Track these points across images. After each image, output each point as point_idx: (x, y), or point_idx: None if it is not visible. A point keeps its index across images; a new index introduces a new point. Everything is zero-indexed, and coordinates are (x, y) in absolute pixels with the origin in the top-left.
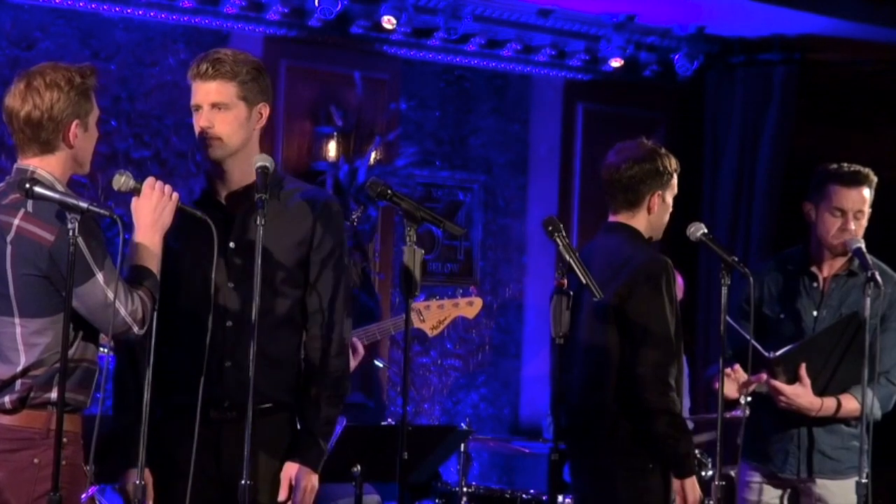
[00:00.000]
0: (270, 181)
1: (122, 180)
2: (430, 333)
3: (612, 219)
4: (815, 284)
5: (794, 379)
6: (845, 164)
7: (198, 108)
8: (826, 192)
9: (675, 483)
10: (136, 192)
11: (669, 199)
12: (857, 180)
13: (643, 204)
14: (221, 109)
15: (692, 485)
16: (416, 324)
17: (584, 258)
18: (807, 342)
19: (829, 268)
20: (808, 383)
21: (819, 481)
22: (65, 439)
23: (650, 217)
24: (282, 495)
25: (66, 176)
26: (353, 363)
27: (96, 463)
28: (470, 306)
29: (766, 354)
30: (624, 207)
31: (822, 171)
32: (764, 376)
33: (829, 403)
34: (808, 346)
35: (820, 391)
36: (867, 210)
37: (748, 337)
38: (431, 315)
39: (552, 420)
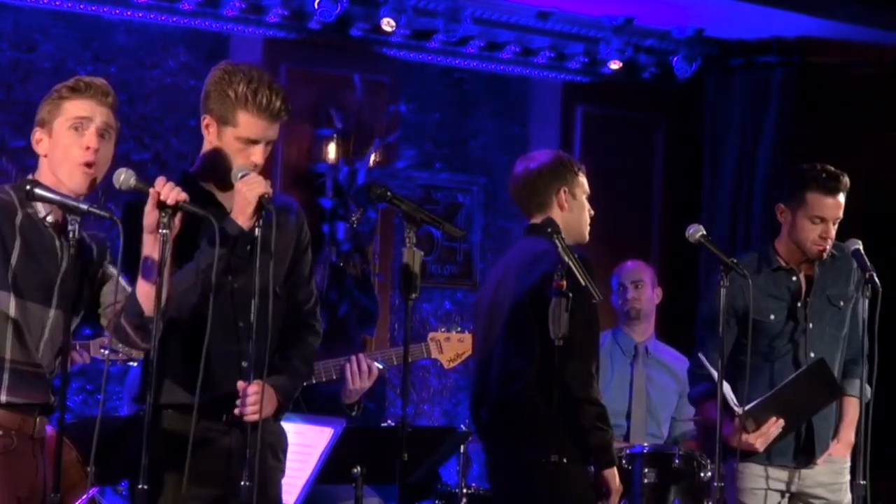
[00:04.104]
0: None
1: (122, 178)
2: (446, 366)
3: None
4: (794, 279)
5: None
6: (820, 167)
7: (254, 142)
8: (805, 199)
9: (598, 475)
10: (137, 191)
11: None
12: (837, 188)
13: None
14: (270, 143)
15: (613, 475)
16: (434, 354)
17: (505, 262)
18: (775, 394)
19: (806, 262)
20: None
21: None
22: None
23: (563, 215)
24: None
25: (56, 186)
26: (367, 383)
27: (97, 464)
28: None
29: (735, 408)
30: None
31: (799, 174)
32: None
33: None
34: (777, 398)
35: (796, 427)
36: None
37: (713, 374)
38: (450, 347)
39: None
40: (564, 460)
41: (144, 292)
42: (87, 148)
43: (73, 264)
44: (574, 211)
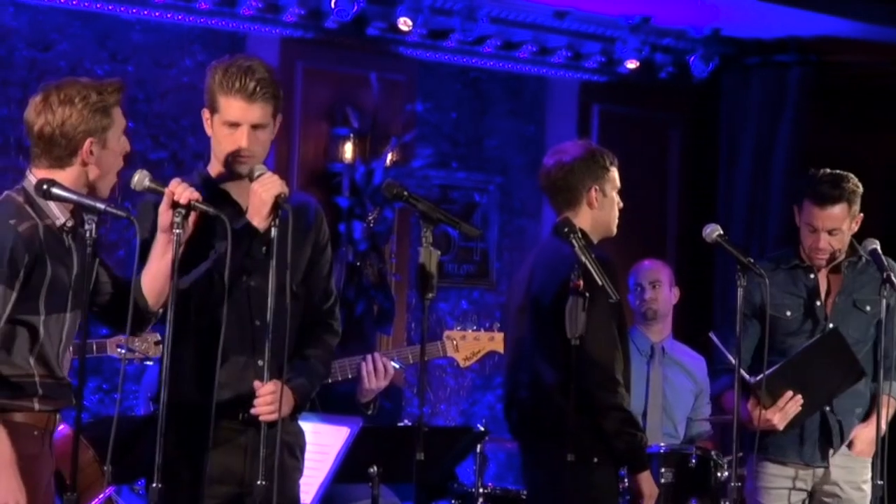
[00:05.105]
0: None
1: (136, 178)
2: (462, 364)
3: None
4: (811, 276)
5: (776, 400)
6: (821, 175)
7: (235, 125)
8: (803, 205)
9: (631, 479)
10: (152, 192)
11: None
12: (830, 200)
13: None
14: (258, 129)
15: (646, 479)
16: (450, 352)
17: (532, 260)
18: (787, 364)
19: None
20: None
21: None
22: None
23: (593, 213)
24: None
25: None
26: (383, 382)
27: (114, 464)
28: (505, 342)
29: (748, 379)
30: (564, 207)
31: (807, 178)
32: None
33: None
34: (790, 368)
35: (817, 407)
36: (845, 223)
37: (731, 358)
38: (466, 346)
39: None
40: (595, 460)
41: (149, 287)
42: (127, 153)
43: (91, 264)
44: (604, 209)
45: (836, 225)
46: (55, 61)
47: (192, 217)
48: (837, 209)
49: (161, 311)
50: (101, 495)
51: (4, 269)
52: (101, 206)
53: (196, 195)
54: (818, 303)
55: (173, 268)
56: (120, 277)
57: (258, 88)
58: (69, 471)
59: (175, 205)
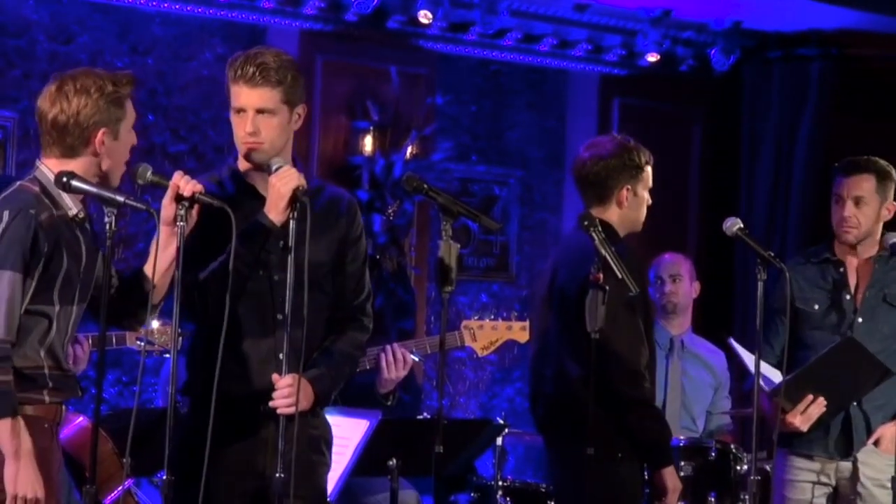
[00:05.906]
0: None
1: (139, 171)
2: (480, 353)
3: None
4: (841, 270)
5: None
6: (858, 157)
7: (241, 111)
8: (833, 183)
9: (655, 474)
10: (155, 185)
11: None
12: (855, 168)
13: (612, 198)
14: (266, 115)
15: (669, 474)
16: (468, 341)
17: (558, 252)
18: (803, 372)
19: (862, 252)
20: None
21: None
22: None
23: (621, 211)
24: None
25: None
26: (402, 372)
27: (133, 456)
28: (523, 331)
29: (765, 387)
30: (594, 202)
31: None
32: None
33: None
34: (807, 375)
35: (842, 407)
36: (872, 198)
37: (745, 357)
38: (484, 335)
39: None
40: (620, 455)
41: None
42: (134, 146)
43: (109, 257)
44: (633, 208)
45: (861, 193)
46: (76, 54)
47: (195, 209)
48: (864, 178)
49: (161, 303)
50: (120, 487)
51: (25, 259)
52: (120, 198)
53: (199, 187)
54: (847, 296)
55: (178, 261)
56: (121, 272)
57: (259, 73)
58: (88, 463)
59: (179, 198)
